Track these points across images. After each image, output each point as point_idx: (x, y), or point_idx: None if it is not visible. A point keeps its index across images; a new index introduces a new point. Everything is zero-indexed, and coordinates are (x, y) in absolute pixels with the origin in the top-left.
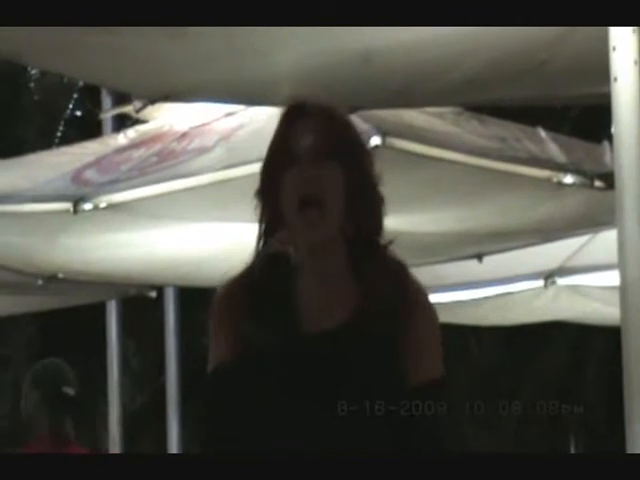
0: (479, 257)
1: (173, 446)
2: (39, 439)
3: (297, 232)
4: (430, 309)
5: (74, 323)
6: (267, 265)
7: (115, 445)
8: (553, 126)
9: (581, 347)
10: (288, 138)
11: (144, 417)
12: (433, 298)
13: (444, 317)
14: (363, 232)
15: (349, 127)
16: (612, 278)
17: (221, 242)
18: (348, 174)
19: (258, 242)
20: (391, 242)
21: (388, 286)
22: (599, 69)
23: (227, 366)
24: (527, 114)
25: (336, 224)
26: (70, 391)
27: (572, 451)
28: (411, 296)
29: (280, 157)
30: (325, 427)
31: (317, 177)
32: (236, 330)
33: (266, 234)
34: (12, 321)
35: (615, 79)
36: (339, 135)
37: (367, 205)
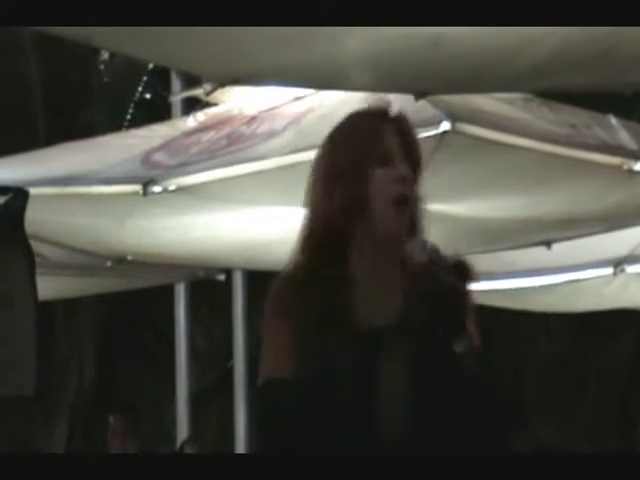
0: (548, 244)
1: (240, 430)
2: None
3: (386, 226)
4: (462, 294)
5: (143, 305)
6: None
7: (183, 426)
8: (623, 113)
9: None
10: (380, 136)
11: (209, 401)
12: (501, 284)
13: (513, 303)
14: (416, 232)
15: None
16: None
17: (289, 226)
18: (418, 178)
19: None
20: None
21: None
22: None
23: (284, 381)
24: (597, 101)
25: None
26: None
27: None
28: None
29: (370, 153)
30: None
31: (410, 178)
32: (291, 343)
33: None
34: (81, 303)
35: None
36: (417, 141)
37: (420, 207)
